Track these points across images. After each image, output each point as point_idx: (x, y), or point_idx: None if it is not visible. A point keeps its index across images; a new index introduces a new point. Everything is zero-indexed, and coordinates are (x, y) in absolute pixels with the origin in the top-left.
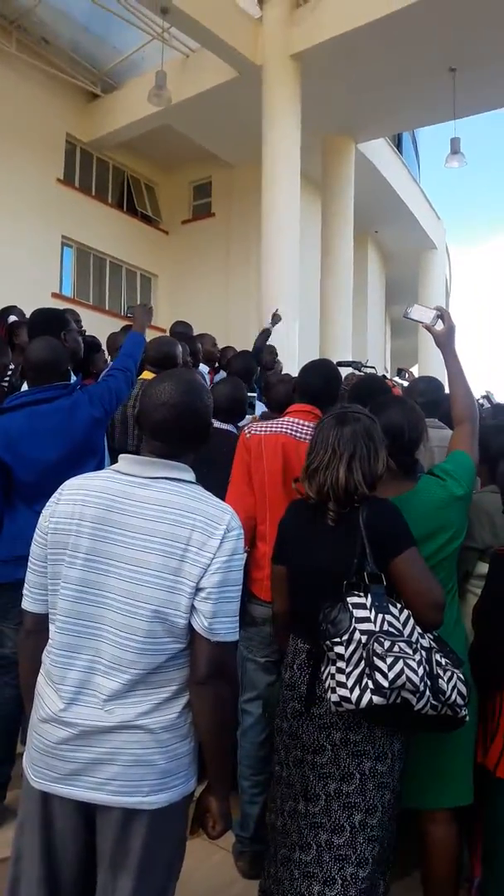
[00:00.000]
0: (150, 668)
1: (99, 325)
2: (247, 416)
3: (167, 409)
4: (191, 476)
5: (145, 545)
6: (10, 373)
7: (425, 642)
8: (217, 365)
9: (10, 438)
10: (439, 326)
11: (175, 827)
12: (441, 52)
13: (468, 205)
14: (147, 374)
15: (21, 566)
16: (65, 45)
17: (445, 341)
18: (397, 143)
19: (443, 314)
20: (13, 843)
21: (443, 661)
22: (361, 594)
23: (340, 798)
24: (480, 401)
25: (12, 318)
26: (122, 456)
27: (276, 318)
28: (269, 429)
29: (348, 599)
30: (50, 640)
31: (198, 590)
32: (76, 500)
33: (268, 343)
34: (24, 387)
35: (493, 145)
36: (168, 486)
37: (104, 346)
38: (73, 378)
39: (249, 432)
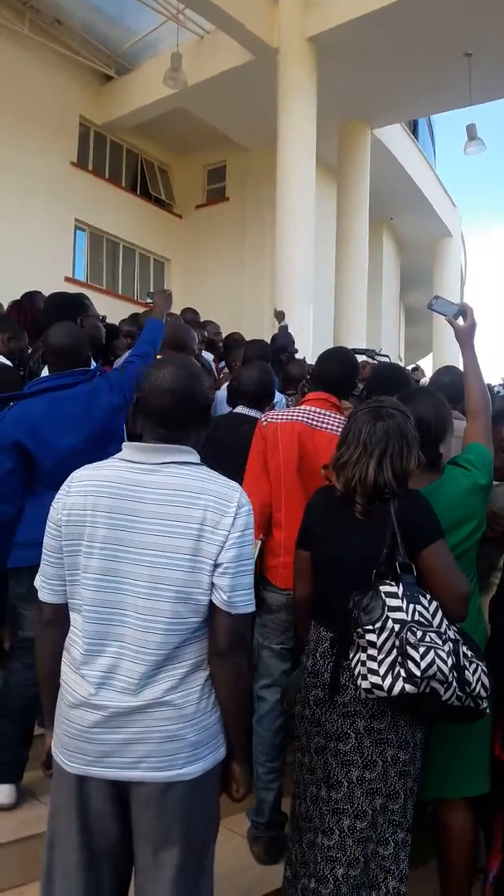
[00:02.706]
0: (174, 647)
1: (112, 310)
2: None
3: (168, 396)
4: (196, 458)
5: (161, 529)
6: (30, 356)
7: (452, 634)
8: (221, 352)
9: (32, 424)
10: (461, 322)
11: (209, 793)
12: (457, 36)
13: (482, 189)
14: None
15: None
16: (78, 26)
17: (465, 337)
18: (413, 129)
19: (466, 310)
20: (47, 828)
21: (468, 652)
22: (392, 583)
23: (363, 785)
24: (497, 388)
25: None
26: (125, 444)
27: (278, 317)
28: (285, 417)
29: (381, 588)
30: (74, 629)
31: (215, 566)
32: (87, 490)
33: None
34: (45, 372)
35: None
36: (177, 470)
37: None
38: (94, 364)
39: (266, 420)
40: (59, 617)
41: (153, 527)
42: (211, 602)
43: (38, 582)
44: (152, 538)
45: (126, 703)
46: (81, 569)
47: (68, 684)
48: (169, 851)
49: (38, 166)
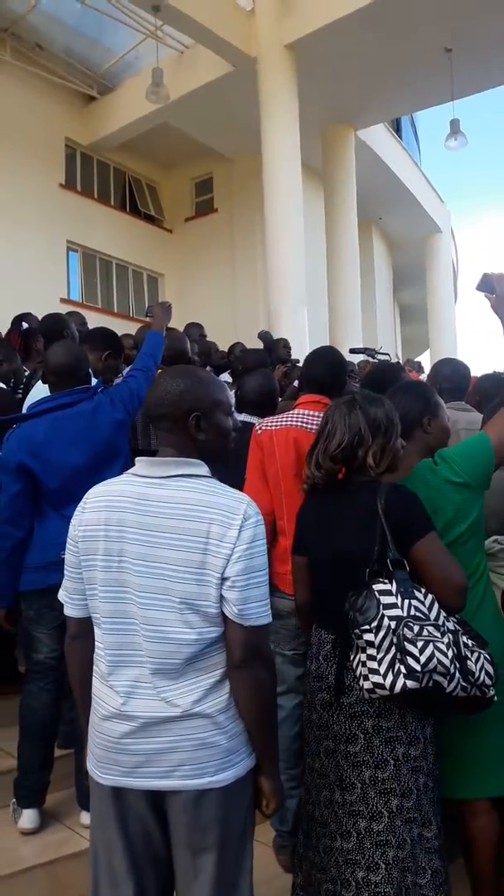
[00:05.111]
0: (192, 655)
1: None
2: None
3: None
4: (205, 470)
5: (169, 542)
6: (25, 378)
7: (451, 625)
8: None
9: (35, 445)
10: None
11: (243, 798)
12: (436, 32)
13: (470, 183)
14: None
15: (53, 572)
16: (59, 49)
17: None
18: (396, 128)
19: (495, 281)
20: (90, 843)
21: (469, 642)
22: (386, 581)
23: (376, 785)
24: None
25: (25, 325)
26: (138, 459)
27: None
28: (279, 423)
29: (374, 586)
30: (98, 643)
31: (223, 579)
32: (100, 506)
33: (280, 337)
34: (37, 390)
35: (491, 122)
36: (183, 484)
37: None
38: (94, 381)
39: (260, 428)
40: (84, 630)
41: (161, 540)
42: (224, 614)
43: (62, 596)
44: (161, 551)
45: (156, 714)
46: (98, 582)
47: (100, 697)
48: (206, 856)
49: (27, 190)
